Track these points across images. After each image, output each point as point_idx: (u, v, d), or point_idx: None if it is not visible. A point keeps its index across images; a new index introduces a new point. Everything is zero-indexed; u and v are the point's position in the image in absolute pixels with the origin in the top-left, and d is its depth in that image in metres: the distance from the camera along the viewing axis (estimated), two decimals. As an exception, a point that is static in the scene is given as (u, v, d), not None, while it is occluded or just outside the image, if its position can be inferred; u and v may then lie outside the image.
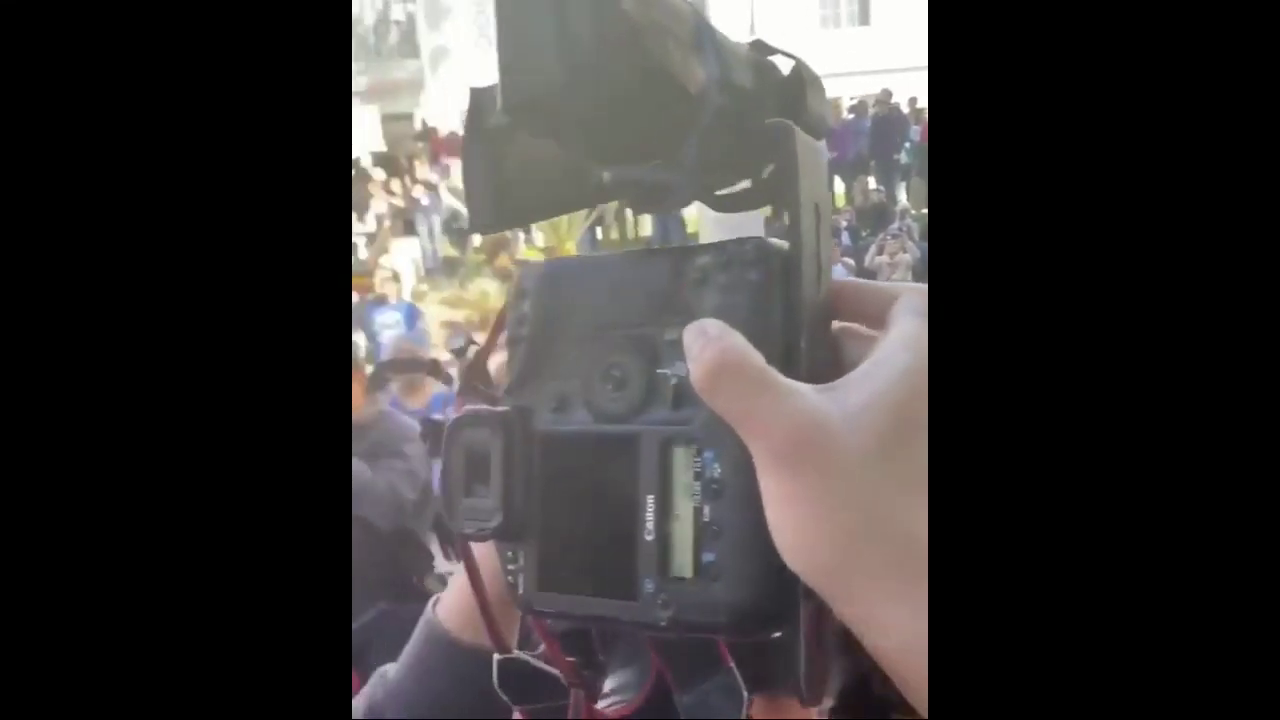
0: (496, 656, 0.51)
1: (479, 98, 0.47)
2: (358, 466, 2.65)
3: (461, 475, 0.45)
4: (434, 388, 4.32)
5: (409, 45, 18.72)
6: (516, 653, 0.51)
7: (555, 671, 0.49)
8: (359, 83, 17.35)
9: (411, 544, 2.86)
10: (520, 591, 0.44)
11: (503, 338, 0.48)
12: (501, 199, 0.47)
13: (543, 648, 0.50)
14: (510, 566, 0.44)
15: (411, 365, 4.28)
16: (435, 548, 3.21)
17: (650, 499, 0.39)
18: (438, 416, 2.31)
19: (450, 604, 0.65)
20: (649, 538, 0.39)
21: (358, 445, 2.75)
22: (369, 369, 3.69)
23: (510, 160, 0.47)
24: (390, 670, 0.68)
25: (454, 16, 18.57)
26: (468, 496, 0.45)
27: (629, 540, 0.39)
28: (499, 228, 0.49)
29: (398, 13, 17.90)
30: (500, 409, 0.44)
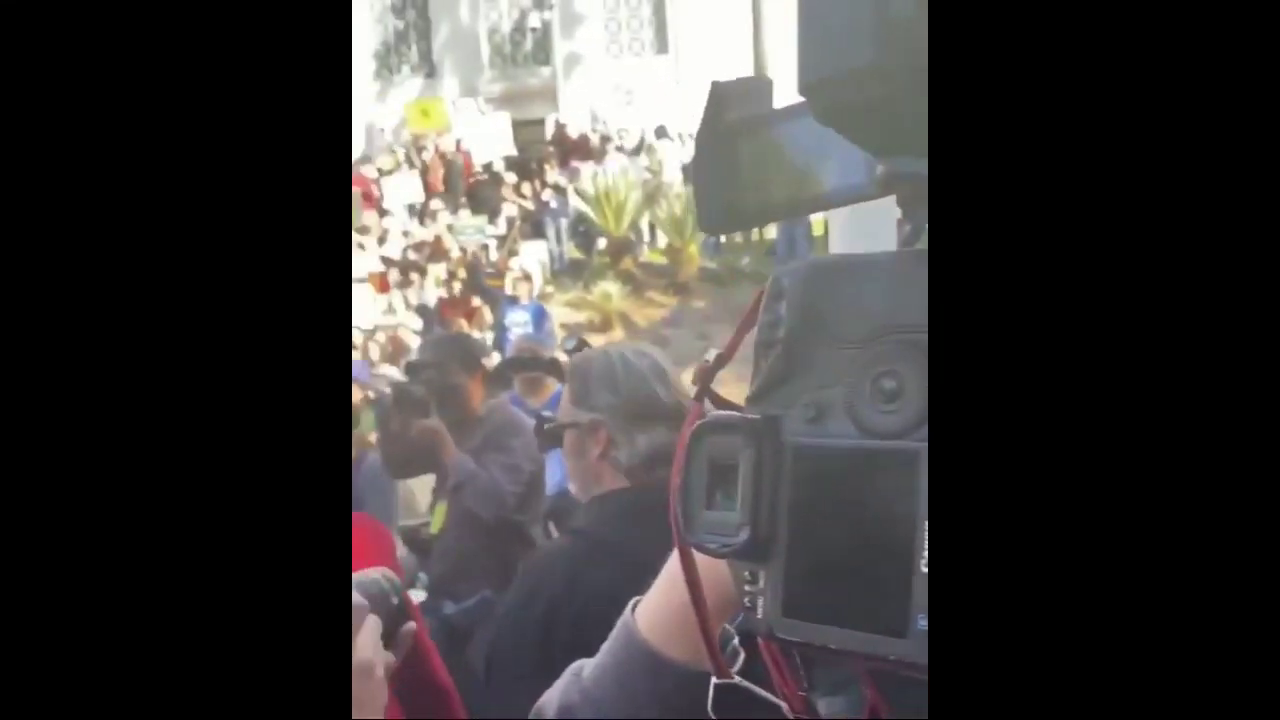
0: (715, 681, 0.47)
1: (720, 92, 0.44)
2: (461, 459, 2.75)
3: (703, 485, 0.42)
4: (554, 386, 4.42)
5: (542, 53, 19.19)
6: (736, 679, 0.47)
7: (776, 700, 0.45)
8: (493, 90, 17.89)
9: (515, 536, 2.94)
10: (760, 615, 0.40)
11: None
12: (734, 199, 0.45)
13: (737, 665, 0.47)
14: (748, 587, 0.41)
15: (532, 364, 4.39)
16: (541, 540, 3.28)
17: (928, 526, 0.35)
18: (548, 414, 2.35)
19: (651, 613, 0.61)
20: (926, 569, 0.35)
21: (471, 438, 2.84)
22: (492, 366, 3.81)
23: (745, 159, 0.44)
24: (585, 669, 0.66)
25: (588, 24, 18.93)
26: (709, 508, 0.42)
27: (900, 570, 0.35)
28: (731, 229, 0.47)
29: (534, 20, 18.37)
30: (751, 416, 0.41)
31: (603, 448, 1.47)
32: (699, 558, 0.45)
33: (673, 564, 0.56)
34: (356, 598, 0.79)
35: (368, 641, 0.78)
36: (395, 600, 0.89)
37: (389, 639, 0.85)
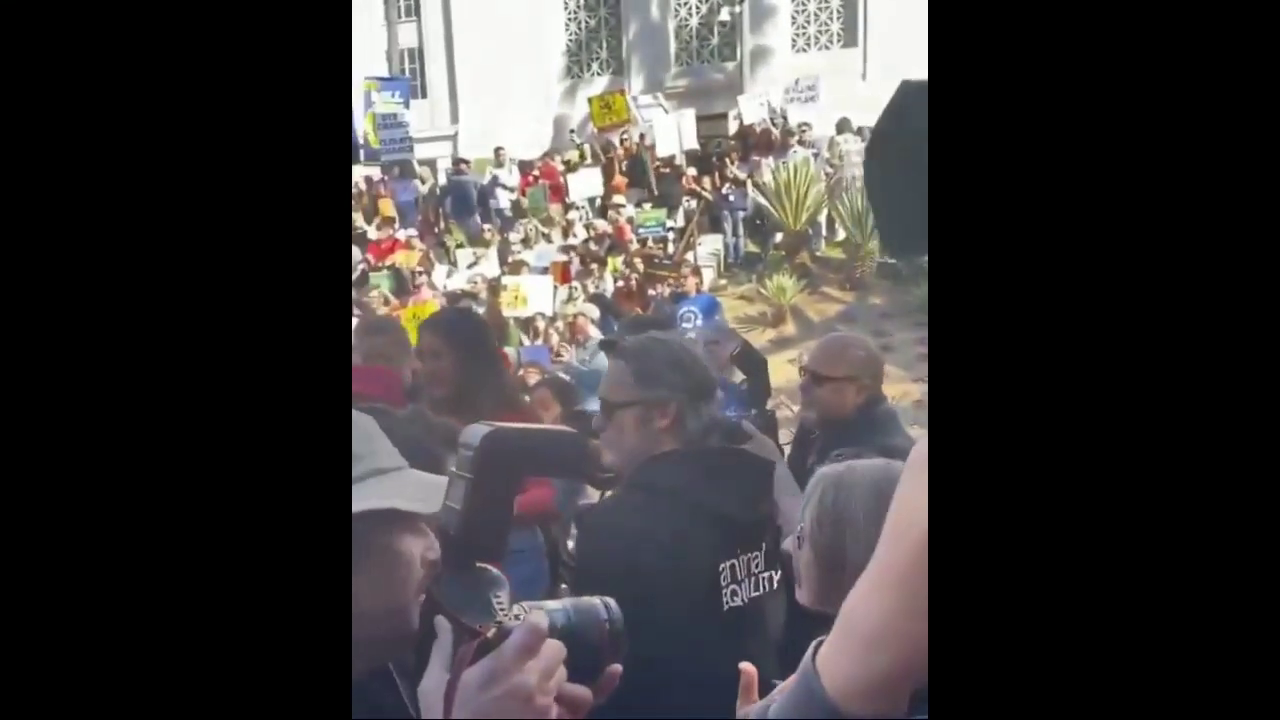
0: None
1: (910, 92, 0.43)
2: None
3: None
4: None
5: (728, 48, 19.23)
6: None
7: None
8: (678, 85, 18.12)
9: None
10: None
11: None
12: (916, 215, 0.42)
13: None
14: None
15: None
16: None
17: None
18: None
19: (834, 664, 0.57)
20: None
21: None
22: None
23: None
24: (771, 708, 0.64)
25: (776, 18, 18.78)
26: None
27: None
28: (922, 250, 0.45)
29: (723, 14, 18.42)
30: None
31: (671, 420, 1.66)
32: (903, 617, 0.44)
33: (855, 615, 0.55)
34: (539, 618, 0.72)
35: (535, 667, 0.69)
36: (608, 630, 0.77)
37: (590, 674, 0.75)
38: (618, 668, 0.77)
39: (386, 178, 13.82)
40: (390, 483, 0.88)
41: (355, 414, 0.92)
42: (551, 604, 0.76)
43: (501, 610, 0.71)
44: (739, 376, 3.42)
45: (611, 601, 0.79)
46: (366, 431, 0.91)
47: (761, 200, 12.24)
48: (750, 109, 13.75)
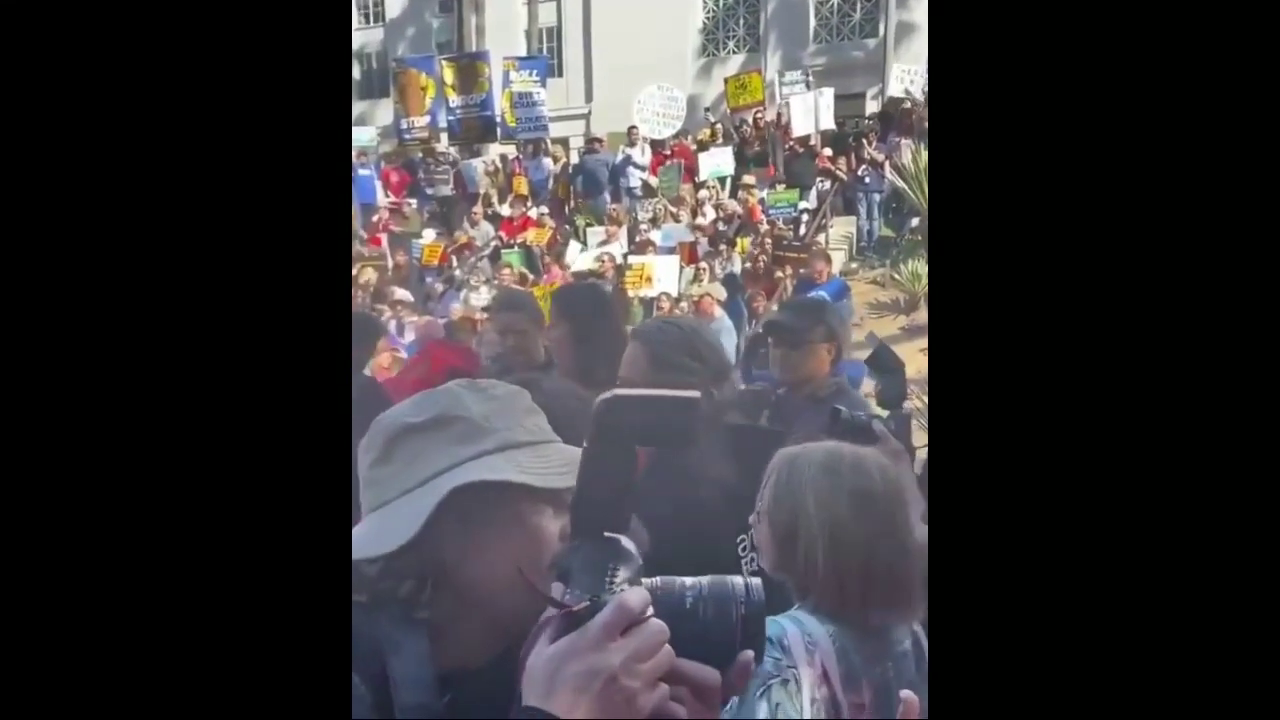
0: None
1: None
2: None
3: None
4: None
5: (869, 24, 18.65)
6: None
7: None
8: (817, 62, 17.69)
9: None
10: None
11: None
12: None
13: None
14: None
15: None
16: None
17: None
18: (840, 407, 2.33)
19: None
20: None
21: (811, 416, 2.83)
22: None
23: None
24: None
25: (922, -10, 18.10)
26: None
27: None
28: None
29: (864, -10, 17.88)
30: None
31: None
32: None
33: None
34: (636, 597, 0.66)
35: (624, 648, 0.64)
36: (743, 613, 0.69)
37: (721, 659, 0.68)
38: (749, 655, 0.69)
39: (521, 156, 14.07)
40: (520, 456, 0.87)
41: (504, 387, 0.93)
42: (687, 580, 0.70)
43: (611, 585, 0.67)
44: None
45: (756, 582, 0.70)
46: (510, 404, 0.91)
47: (899, 183, 11.83)
48: (899, 81, 13.36)
